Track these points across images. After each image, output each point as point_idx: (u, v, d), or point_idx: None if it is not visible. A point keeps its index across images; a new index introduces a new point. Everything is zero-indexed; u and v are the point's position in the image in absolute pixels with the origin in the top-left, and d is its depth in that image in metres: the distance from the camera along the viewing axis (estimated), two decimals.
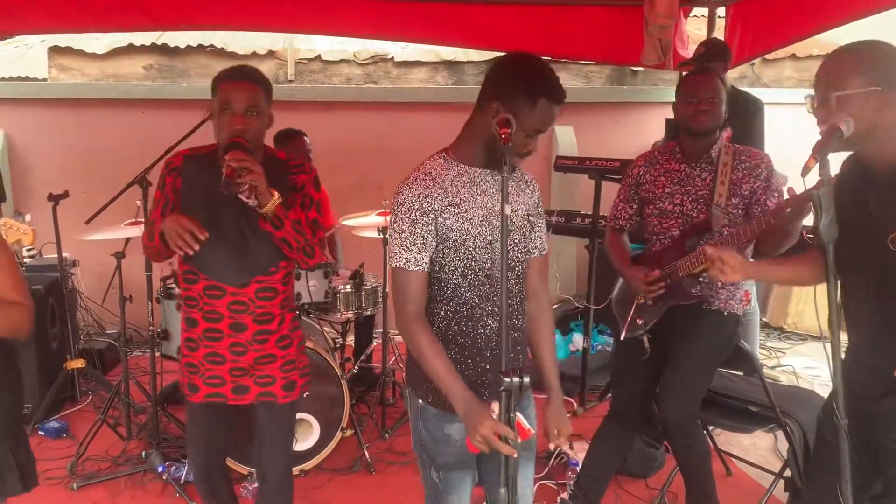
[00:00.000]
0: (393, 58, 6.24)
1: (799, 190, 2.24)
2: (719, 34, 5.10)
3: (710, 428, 3.60)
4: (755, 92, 6.20)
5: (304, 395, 2.62)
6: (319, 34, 5.73)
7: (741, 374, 3.31)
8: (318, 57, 6.18)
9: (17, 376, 2.27)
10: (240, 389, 2.47)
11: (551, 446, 1.92)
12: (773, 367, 5.11)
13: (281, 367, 2.49)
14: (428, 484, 2.15)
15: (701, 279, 2.78)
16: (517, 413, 1.82)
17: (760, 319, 6.05)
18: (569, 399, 4.55)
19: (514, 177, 2.08)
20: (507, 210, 1.74)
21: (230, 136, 2.25)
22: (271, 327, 2.45)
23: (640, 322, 2.91)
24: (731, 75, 6.32)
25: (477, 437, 1.79)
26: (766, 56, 6.36)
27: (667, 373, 2.89)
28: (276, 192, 2.26)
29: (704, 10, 5.36)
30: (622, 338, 2.99)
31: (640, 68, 5.95)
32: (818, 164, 1.72)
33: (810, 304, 3.47)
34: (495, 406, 1.80)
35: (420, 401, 2.09)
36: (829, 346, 1.77)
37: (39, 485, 2.31)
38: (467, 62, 6.27)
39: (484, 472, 2.15)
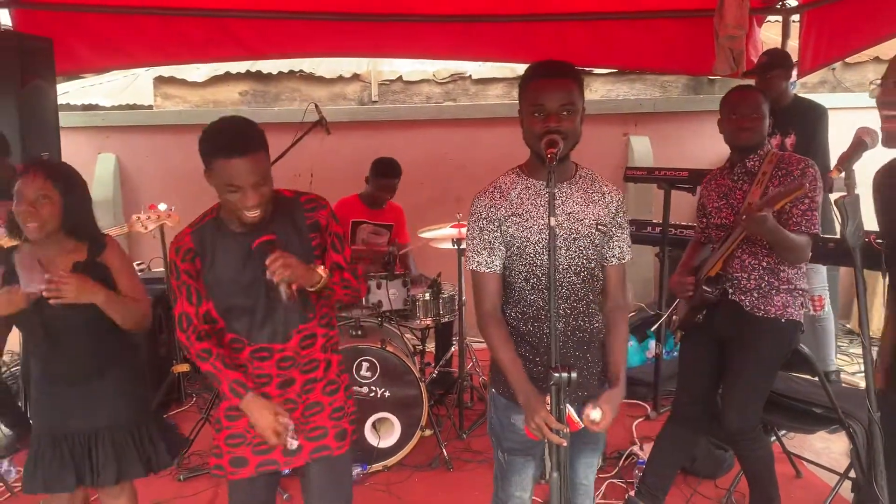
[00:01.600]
0: (471, 76, 6.52)
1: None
2: (795, 40, 5.13)
3: (782, 433, 3.70)
4: (837, 97, 6.19)
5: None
6: (401, 57, 6.07)
7: (807, 376, 3.38)
8: (400, 78, 6.52)
9: (145, 374, 2.66)
10: (291, 451, 2.32)
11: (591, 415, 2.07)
12: (852, 374, 5.07)
13: (330, 415, 2.39)
14: (496, 463, 2.41)
15: (728, 280, 2.94)
16: (568, 407, 2.01)
17: (844, 325, 6.00)
18: (642, 403, 4.70)
19: (583, 188, 2.22)
20: (553, 221, 1.93)
21: (255, 235, 2.17)
22: (317, 374, 2.37)
23: (674, 319, 3.10)
24: (811, 80, 6.33)
25: (531, 425, 2.00)
26: (848, 60, 6.31)
27: (727, 382, 3.01)
28: (320, 267, 2.19)
29: (779, 17, 5.39)
30: (671, 330, 3.17)
31: (717, 77, 6.02)
32: (843, 174, 1.86)
33: None
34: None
35: (493, 389, 2.34)
36: None
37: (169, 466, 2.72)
38: None
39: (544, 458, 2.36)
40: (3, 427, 4.25)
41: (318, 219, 2.29)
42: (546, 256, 2.16)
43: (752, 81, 4.43)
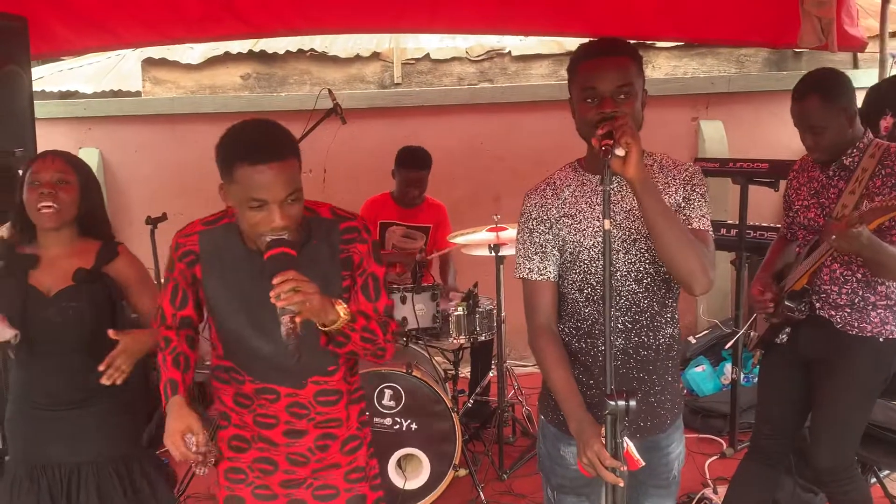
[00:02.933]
0: (510, 52, 6.57)
1: None
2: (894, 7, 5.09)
3: (883, 473, 3.68)
4: None
5: None
6: (428, 32, 6.12)
7: None
8: (427, 56, 6.60)
9: (137, 402, 2.74)
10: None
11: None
12: None
13: (346, 475, 2.35)
14: (545, 502, 2.44)
15: (815, 294, 2.93)
16: (627, 441, 2.03)
17: None
18: (717, 438, 4.69)
19: (650, 168, 2.18)
20: (607, 225, 1.95)
21: (271, 245, 2.00)
22: (337, 432, 2.33)
23: (754, 335, 3.09)
24: None
25: (583, 459, 2.02)
26: None
27: (816, 413, 3.02)
28: (341, 305, 2.05)
29: None
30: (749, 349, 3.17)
31: (804, 50, 5.99)
32: None
33: None
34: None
35: (542, 416, 2.38)
36: None
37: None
38: None
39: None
40: None
41: (352, 254, 2.21)
42: (601, 263, 2.16)
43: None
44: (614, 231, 2.16)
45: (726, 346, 4.33)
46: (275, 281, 1.92)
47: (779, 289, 3.03)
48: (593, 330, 2.24)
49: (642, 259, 2.18)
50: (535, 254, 2.24)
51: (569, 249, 2.22)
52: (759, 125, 6.25)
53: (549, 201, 2.24)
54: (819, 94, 2.86)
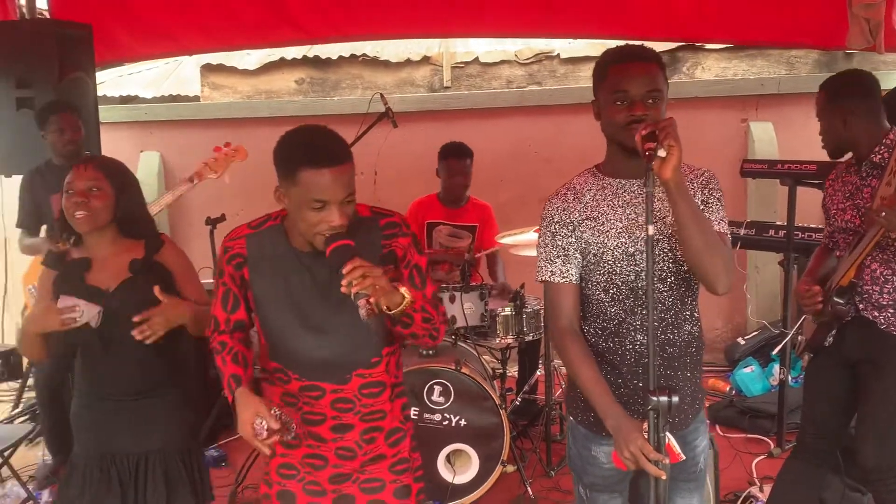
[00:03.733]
0: (559, 55, 6.62)
1: None
2: None
3: None
4: None
5: None
6: (476, 36, 6.20)
7: None
8: (476, 59, 6.68)
9: (196, 397, 2.87)
10: (343, 499, 2.40)
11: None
12: None
13: (391, 467, 2.42)
14: (577, 500, 2.50)
15: (858, 295, 2.95)
16: (668, 435, 2.09)
17: None
18: (765, 438, 4.70)
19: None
20: (651, 230, 2.00)
21: (331, 239, 2.12)
22: (382, 424, 2.40)
23: (802, 339, 3.11)
24: None
25: (625, 454, 2.08)
26: None
27: (861, 413, 3.05)
28: (404, 288, 2.15)
29: None
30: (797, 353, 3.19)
31: (856, 50, 5.95)
32: None
33: None
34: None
35: (572, 418, 2.44)
36: None
37: (213, 500, 2.87)
38: None
39: (635, 492, 2.43)
40: (46, 453, 4.57)
41: (395, 249, 2.29)
42: (627, 262, 2.24)
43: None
44: (637, 232, 2.22)
45: (774, 351, 4.34)
46: (345, 270, 2.02)
47: (825, 287, 3.05)
48: (620, 329, 2.29)
49: (665, 259, 2.24)
50: (558, 257, 2.29)
51: (592, 251, 2.27)
52: (809, 126, 6.13)
53: (571, 205, 2.29)
54: (824, 91, 3.06)
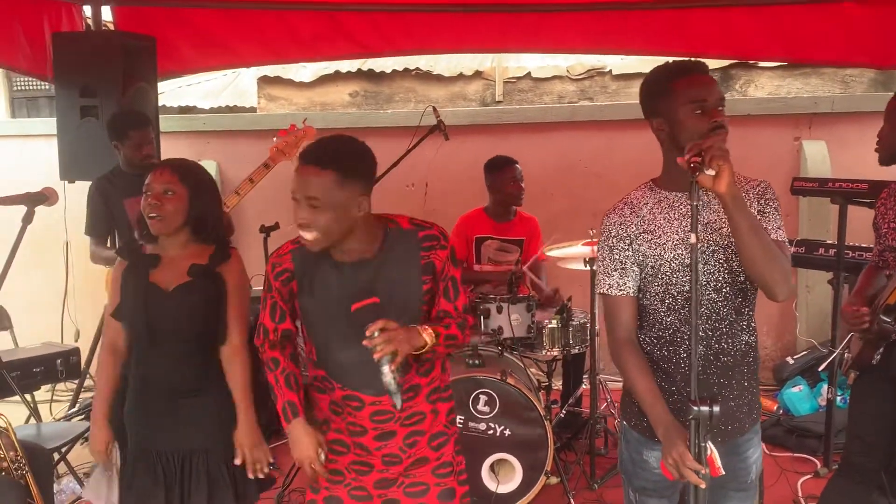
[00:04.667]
0: (611, 71, 6.67)
1: None
2: None
3: None
4: None
5: None
6: (529, 52, 6.28)
7: None
8: (528, 75, 6.76)
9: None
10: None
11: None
12: None
13: (434, 470, 2.50)
14: (626, 503, 2.55)
15: None
16: (711, 447, 2.12)
17: None
18: (811, 458, 4.67)
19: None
20: (693, 238, 2.05)
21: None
22: (423, 427, 2.48)
23: (848, 356, 3.11)
24: None
25: (668, 460, 2.13)
26: None
27: None
28: (426, 331, 2.28)
29: None
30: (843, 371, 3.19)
31: None
32: None
33: None
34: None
35: (624, 422, 2.50)
36: None
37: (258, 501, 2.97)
38: None
39: (682, 500, 2.47)
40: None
41: (433, 260, 2.39)
42: (683, 273, 2.29)
43: None
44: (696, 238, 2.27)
45: (820, 368, 4.32)
46: (367, 333, 2.19)
47: (873, 306, 3.05)
48: (675, 338, 2.34)
49: (721, 269, 2.28)
50: (615, 270, 2.35)
51: (650, 263, 2.32)
52: (863, 146, 6.10)
53: (628, 219, 2.35)
54: None
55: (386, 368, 2.20)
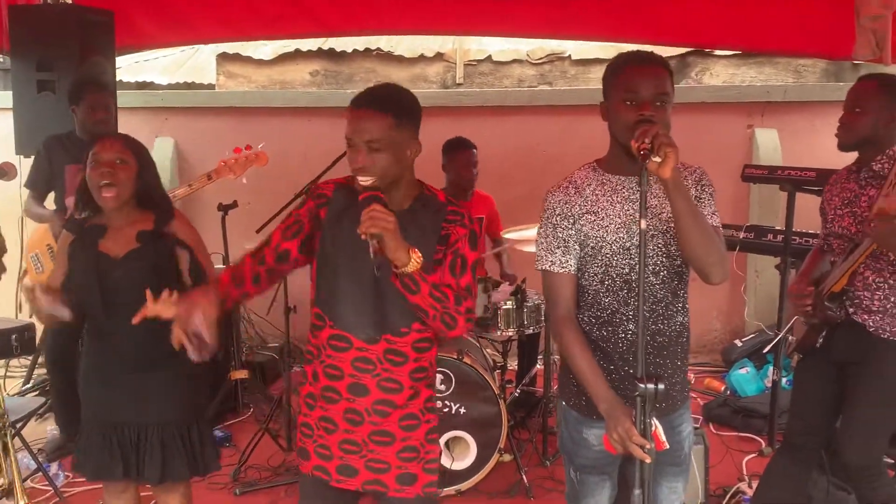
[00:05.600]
0: (570, 56, 6.75)
1: None
2: None
3: None
4: None
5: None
6: (492, 35, 6.33)
7: None
8: (489, 58, 6.82)
9: (200, 374, 3.01)
10: (346, 470, 2.48)
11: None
12: None
13: (398, 452, 2.48)
14: (568, 483, 2.63)
15: (848, 299, 3.08)
16: (656, 423, 2.21)
17: None
18: (756, 437, 4.83)
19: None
20: (643, 224, 2.12)
21: (355, 174, 2.32)
22: (396, 399, 2.46)
23: (793, 339, 3.23)
24: None
25: (614, 436, 2.20)
26: None
27: (847, 412, 3.17)
28: (416, 254, 2.27)
29: None
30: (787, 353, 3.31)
31: (862, 61, 6.06)
32: None
33: None
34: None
35: (564, 402, 2.57)
36: None
37: (218, 470, 3.04)
38: None
39: (624, 476, 2.57)
40: (56, 428, 4.72)
41: (451, 232, 2.41)
42: (623, 256, 2.37)
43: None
44: (635, 227, 2.34)
45: (765, 350, 4.46)
46: (363, 212, 2.21)
47: (817, 291, 3.18)
48: (613, 319, 2.41)
49: (659, 253, 2.38)
50: (558, 247, 2.41)
51: (590, 244, 2.39)
52: (814, 135, 6.32)
53: (573, 199, 2.41)
54: (877, 81, 3.09)
55: (372, 243, 2.22)
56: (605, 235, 2.38)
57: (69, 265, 2.88)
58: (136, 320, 2.47)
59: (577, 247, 2.41)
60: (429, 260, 2.35)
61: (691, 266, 2.34)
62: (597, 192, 2.41)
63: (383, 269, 2.29)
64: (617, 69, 2.35)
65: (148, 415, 2.88)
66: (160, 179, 2.99)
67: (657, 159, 2.10)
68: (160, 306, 2.42)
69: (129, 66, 7.81)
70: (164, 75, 7.76)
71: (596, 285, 2.42)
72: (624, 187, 2.40)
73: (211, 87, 7.38)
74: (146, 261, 2.82)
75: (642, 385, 2.12)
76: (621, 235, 2.37)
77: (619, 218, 2.37)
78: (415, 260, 2.26)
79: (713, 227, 2.32)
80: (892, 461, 3.44)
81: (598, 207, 2.39)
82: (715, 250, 2.24)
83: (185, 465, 2.93)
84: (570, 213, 2.40)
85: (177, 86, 7.54)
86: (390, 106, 2.33)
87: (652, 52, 2.37)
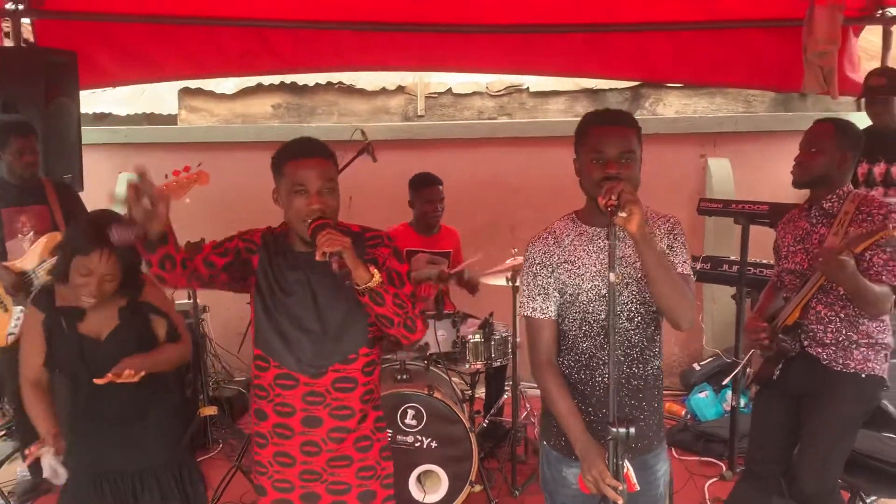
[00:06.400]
0: (528, 88, 6.91)
1: None
2: None
3: (870, 499, 3.98)
4: None
5: None
6: (452, 71, 6.48)
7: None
8: (449, 90, 6.94)
9: (179, 413, 3.09)
10: (309, 497, 2.64)
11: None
12: None
13: (356, 472, 2.65)
14: None
15: (803, 332, 3.25)
16: (628, 465, 2.32)
17: None
18: (717, 461, 4.99)
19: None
20: (612, 277, 2.25)
21: (310, 218, 2.45)
22: (349, 424, 2.62)
23: (750, 372, 3.41)
24: None
25: (587, 477, 2.33)
26: None
27: (803, 441, 3.33)
28: (374, 270, 2.44)
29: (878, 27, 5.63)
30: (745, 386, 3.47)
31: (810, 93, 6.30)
32: None
33: None
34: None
35: (545, 442, 2.69)
36: None
37: None
38: (610, 90, 6.86)
39: None
40: (26, 470, 4.71)
41: (376, 256, 2.58)
42: (600, 303, 2.49)
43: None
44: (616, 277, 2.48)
45: (725, 381, 4.62)
46: (319, 236, 2.37)
47: (773, 325, 3.34)
48: (591, 363, 2.54)
49: (634, 300, 2.50)
50: (538, 294, 2.55)
51: (568, 291, 2.52)
52: (765, 163, 6.54)
53: (551, 249, 2.55)
54: (834, 125, 3.27)
55: (333, 260, 2.36)
56: (581, 283, 2.51)
57: (48, 346, 2.91)
58: (102, 381, 2.67)
59: (556, 294, 2.54)
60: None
61: (661, 312, 2.47)
62: (574, 242, 2.54)
63: (348, 286, 2.44)
64: (583, 129, 2.49)
65: (142, 461, 2.96)
66: (137, 255, 2.92)
67: (623, 214, 2.23)
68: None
69: (85, 98, 7.67)
70: (123, 106, 7.72)
71: (575, 331, 2.55)
72: (599, 237, 2.51)
73: (171, 117, 7.40)
74: (129, 336, 2.91)
75: (614, 429, 2.24)
76: (597, 283, 2.49)
77: (595, 267, 2.49)
78: (375, 274, 2.43)
79: (683, 276, 2.45)
80: (844, 484, 3.58)
81: (575, 257, 2.52)
82: (683, 299, 2.37)
83: None
84: (548, 262, 2.54)
85: (136, 117, 7.53)
86: (329, 153, 2.56)
87: (619, 111, 2.53)
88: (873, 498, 4.07)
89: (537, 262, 2.56)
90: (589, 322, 2.52)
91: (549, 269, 2.54)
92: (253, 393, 2.71)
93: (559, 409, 2.49)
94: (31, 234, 4.17)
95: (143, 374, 2.76)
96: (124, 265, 2.82)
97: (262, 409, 2.65)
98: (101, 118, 7.58)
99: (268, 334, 2.61)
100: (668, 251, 2.48)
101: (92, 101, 7.75)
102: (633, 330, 2.52)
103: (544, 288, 2.54)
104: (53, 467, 2.77)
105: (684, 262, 2.51)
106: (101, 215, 2.86)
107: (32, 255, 4.23)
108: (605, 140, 2.41)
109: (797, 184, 3.32)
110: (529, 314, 2.58)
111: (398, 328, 2.53)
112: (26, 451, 2.79)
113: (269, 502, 2.68)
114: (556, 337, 2.58)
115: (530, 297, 2.57)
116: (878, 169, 4.73)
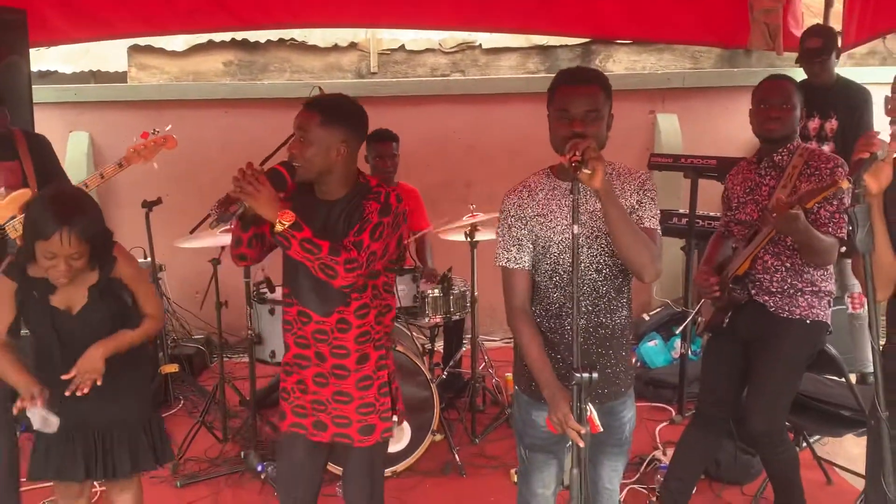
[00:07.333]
0: (481, 45, 6.93)
1: None
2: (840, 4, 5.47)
3: (813, 438, 4.19)
4: (887, 70, 6.60)
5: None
6: (404, 28, 6.48)
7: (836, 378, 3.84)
8: (402, 47, 6.94)
9: (149, 369, 3.13)
10: (319, 425, 2.90)
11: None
12: None
13: (357, 408, 2.87)
14: (519, 460, 2.89)
15: (750, 282, 3.39)
16: (591, 408, 2.43)
17: None
18: (667, 406, 5.17)
19: (609, 178, 2.52)
20: (576, 229, 2.34)
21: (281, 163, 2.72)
22: (347, 363, 2.84)
23: (701, 320, 3.55)
24: (860, 51, 6.74)
25: (553, 419, 2.45)
26: None
27: (751, 384, 3.48)
28: (286, 216, 2.58)
29: None
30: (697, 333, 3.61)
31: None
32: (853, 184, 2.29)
33: None
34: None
35: (517, 387, 2.82)
36: None
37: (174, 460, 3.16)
38: (561, 46, 6.93)
39: (567, 456, 2.80)
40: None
41: (366, 207, 2.72)
42: (568, 255, 2.57)
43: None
44: (578, 228, 2.55)
45: (678, 330, 4.77)
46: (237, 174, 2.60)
47: (723, 276, 3.47)
48: (560, 312, 2.65)
49: (602, 252, 2.60)
50: (513, 246, 2.65)
51: (540, 244, 2.63)
52: (711, 119, 6.69)
53: (525, 202, 2.65)
54: (793, 82, 3.42)
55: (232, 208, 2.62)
56: (552, 236, 2.61)
57: (21, 315, 2.92)
58: (67, 377, 2.81)
59: (530, 245, 2.65)
60: (340, 233, 2.71)
61: (625, 265, 2.57)
62: (548, 196, 2.64)
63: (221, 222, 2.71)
64: (554, 87, 2.58)
65: (112, 414, 3.00)
66: (108, 234, 2.93)
67: (587, 171, 2.31)
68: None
69: (31, 55, 7.58)
70: (69, 63, 7.56)
71: (546, 281, 2.66)
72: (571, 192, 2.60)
73: (120, 75, 7.26)
74: (102, 312, 2.93)
75: (578, 374, 2.33)
76: (566, 236, 2.58)
77: (566, 220, 2.59)
78: (284, 219, 2.58)
79: (650, 230, 2.55)
80: (790, 424, 3.76)
81: (548, 210, 2.62)
82: (647, 252, 2.46)
83: (152, 458, 3.10)
84: (522, 215, 2.64)
85: (82, 75, 7.39)
86: (318, 106, 2.72)
87: (587, 69, 2.63)
88: (816, 437, 4.29)
89: (512, 214, 2.66)
90: (559, 273, 2.63)
91: (523, 221, 2.64)
92: (283, 326, 2.96)
93: (530, 355, 2.60)
94: (2, 189, 4.09)
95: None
96: (91, 239, 2.78)
97: (287, 342, 2.93)
98: (46, 76, 7.42)
99: (291, 275, 2.85)
100: (636, 206, 2.56)
101: (37, 58, 7.54)
102: (601, 281, 2.62)
103: (518, 239, 2.64)
104: (44, 416, 2.78)
105: (652, 216, 2.59)
106: (56, 195, 2.82)
107: (2, 210, 4.17)
108: (572, 98, 2.50)
109: (776, 139, 3.37)
110: (504, 264, 2.68)
111: (318, 273, 2.66)
112: (15, 405, 2.80)
113: (288, 425, 2.94)
114: (529, 287, 2.68)
115: (505, 248, 2.67)
116: (830, 125, 4.89)
